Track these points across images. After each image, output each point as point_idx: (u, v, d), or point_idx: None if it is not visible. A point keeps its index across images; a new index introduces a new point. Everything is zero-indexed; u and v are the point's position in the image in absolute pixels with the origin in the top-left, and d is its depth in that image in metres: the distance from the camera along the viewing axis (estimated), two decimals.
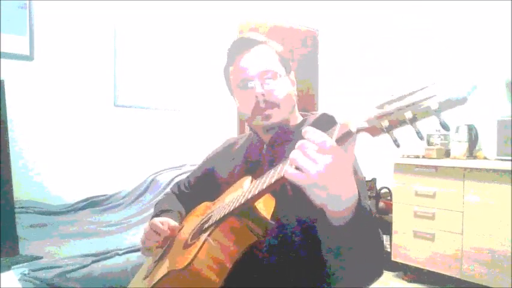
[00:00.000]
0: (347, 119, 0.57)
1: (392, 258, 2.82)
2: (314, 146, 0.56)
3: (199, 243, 0.74)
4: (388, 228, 2.89)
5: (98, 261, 1.58)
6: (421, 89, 0.53)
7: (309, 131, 0.58)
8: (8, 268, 0.90)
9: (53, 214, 2.25)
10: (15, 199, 0.98)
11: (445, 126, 0.52)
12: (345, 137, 0.57)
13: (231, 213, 0.74)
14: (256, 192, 0.70)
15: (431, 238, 2.60)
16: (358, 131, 0.56)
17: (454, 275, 2.48)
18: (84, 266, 1.52)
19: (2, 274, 0.85)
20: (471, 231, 2.41)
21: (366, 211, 0.65)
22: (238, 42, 0.98)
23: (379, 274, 0.75)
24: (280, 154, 0.93)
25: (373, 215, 0.68)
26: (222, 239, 0.73)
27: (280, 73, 0.95)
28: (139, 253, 1.66)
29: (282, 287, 0.86)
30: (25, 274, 1.38)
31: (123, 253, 1.66)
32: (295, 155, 0.58)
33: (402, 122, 0.52)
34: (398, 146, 0.55)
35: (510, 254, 2.22)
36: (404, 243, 2.75)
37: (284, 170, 0.60)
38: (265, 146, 0.98)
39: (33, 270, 1.41)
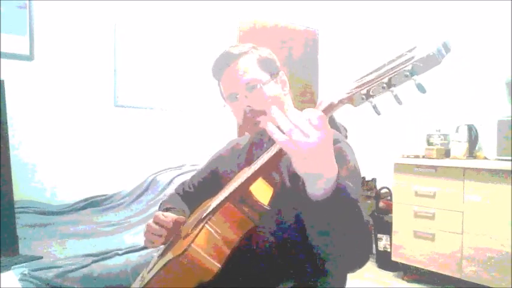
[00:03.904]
0: (329, 94, 0.62)
1: (393, 258, 2.82)
2: (305, 120, 0.60)
3: (196, 231, 0.76)
4: (388, 228, 2.89)
5: (98, 261, 1.58)
6: (399, 56, 0.56)
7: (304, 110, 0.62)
8: (8, 268, 0.90)
9: (53, 214, 2.25)
10: (15, 199, 0.98)
11: (420, 88, 0.55)
12: (329, 110, 0.61)
13: (227, 199, 0.76)
14: (250, 174, 0.73)
15: (431, 238, 2.60)
16: (340, 102, 0.61)
17: (454, 275, 2.48)
18: (84, 266, 1.52)
19: (2, 274, 0.85)
20: (471, 231, 2.41)
21: (345, 192, 0.67)
22: (219, 60, 1.02)
23: (365, 257, 0.77)
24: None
25: (354, 197, 0.69)
26: (219, 225, 0.74)
27: (263, 80, 0.98)
28: (139, 253, 1.67)
29: (277, 275, 0.89)
30: (25, 274, 1.38)
31: (123, 253, 1.66)
32: (288, 127, 0.60)
33: (380, 88, 0.56)
34: (378, 113, 0.58)
35: (510, 254, 2.22)
36: (404, 243, 2.75)
37: (279, 142, 0.62)
38: (265, 145, 1.02)
39: (33, 270, 1.41)
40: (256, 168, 0.73)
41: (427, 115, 3.11)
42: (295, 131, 0.59)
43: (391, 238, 2.87)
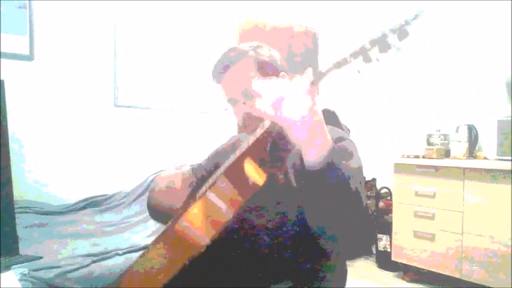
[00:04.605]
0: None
1: (393, 258, 2.82)
2: (295, 91, 0.65)
3: (188, 207, 0.76)
4: (388, 228, 2.89)
5: (98, 261, 1.58)
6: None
7: (294, 79, 0.68)
8: (8, 268, 0.89)
9: (52, 214, 2.25)
10: (15, 199, 0.98)
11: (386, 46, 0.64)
12: (318, 78, 0.67)
13: (221, 176, 0.76)
14: (244, 149, 0.75)
15: (431, 238, 2.60)
16: (328, 70, 0.68)
17: (454, 275, 2.48)
18: (84, 266, 1.52)
19: (2, 274, 0.85)
20: (471, 231, 2.41)
21: (337, 168, 0.70)
22: (217, 65, 1.01)
23: (365, 242, 0.79)
24: (282, 146, 0.96)
25: (347, 178, 0.72)
26: (210, 201, 0.75)
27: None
28: (139, 253, 1.66)
29: (275, 275, 0.90)
30: (25, 274, 1.38)
31: (123, 253, 1.66)
32: (275, 98, 0.65)
33: (362, 51, 0.65)
34: (359, 72, 0.67)
35: (510, 254, 2.22)
36: (404, 243, 2.75)
37: (271, 117, 0.67)
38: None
39: (33, 270, 1.41)
40: (250, 143, 0.75)
41: (427, 115, 3.11)
42: (285, 102, 0.65)
43: (391, 238, 2.87)
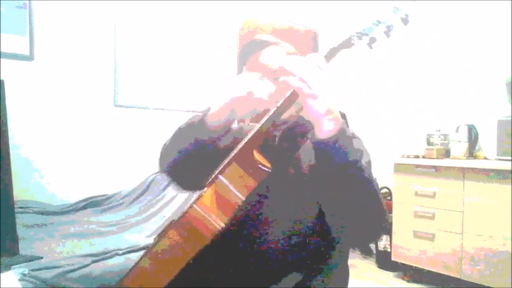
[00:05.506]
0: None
1: (393, 258, 2.82)
2: (312, 65, 0.73)
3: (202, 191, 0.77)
4: (388, 228, 2.89)
5: (98, 261, 1.58)
6: None
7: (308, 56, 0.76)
8: (8, 268, 0.89)
9: (53, 214, 2.25)
10: (15, 199, 0.98)
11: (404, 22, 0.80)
12: (331, 54, 0.78)
13: (232, 161, 0.76)
14: (256, 130, 0.76)
15: (431, 238, 2.60)
16: (339, 46, 0.79)
17: (454, 275, 2.48)
18: (84, 266, 1.52)
19: (2, 274, 0.85)
20: (471, 231, 2.41)
21: (349, 150, 0.74)
22: (250, 44, 1.02)
23: (377, 224, 0.82)
24: (290, 140, 0.98)
25: (358, 159, 0.75)
26: (222, 186, 0.75)
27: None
28: (139, 253, 1.67)
29: (285, 269, 0.90)
30: (25, 274, 1.38)
31: (123, 253, 1.66)
32: (298, 71, 0.72)
33: (371, 25, 0.81)
34: (371, 47, 0.81)
35: (510, 254, 2.22)
36: (404, 243, 2.75)
37: (291, 86, 0.74)
38: (277, 139, 1.01)
39: (33, 270, 1.41)
40: (264, 120, 0.76)
41: (427, 115, 3.11)
42: (304, 74, 0.71)
43: (391, 238, 2.87)
